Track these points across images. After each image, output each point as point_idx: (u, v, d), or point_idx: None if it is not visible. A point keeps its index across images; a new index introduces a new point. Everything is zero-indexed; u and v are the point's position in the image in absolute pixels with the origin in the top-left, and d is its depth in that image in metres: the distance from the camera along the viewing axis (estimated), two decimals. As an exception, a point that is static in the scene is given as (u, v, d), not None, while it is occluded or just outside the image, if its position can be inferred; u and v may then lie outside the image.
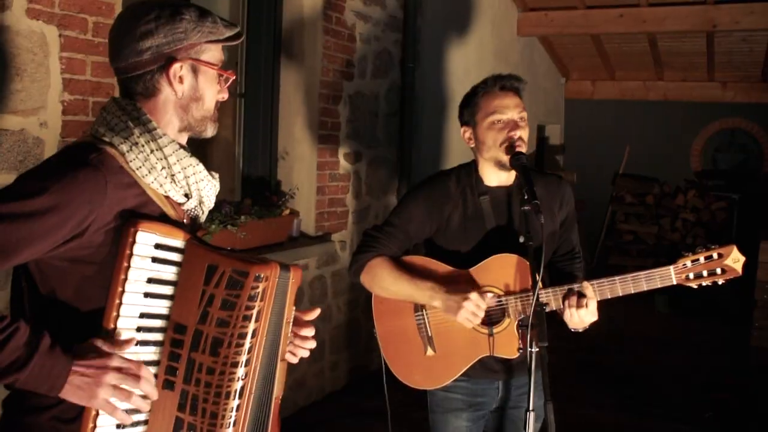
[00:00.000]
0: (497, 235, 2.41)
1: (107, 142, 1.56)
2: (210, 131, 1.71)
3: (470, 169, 2.53)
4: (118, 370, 1.45)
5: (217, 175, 1.76)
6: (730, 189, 9.25)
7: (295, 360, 1.82)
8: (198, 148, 5.12)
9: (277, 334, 1.66)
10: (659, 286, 2.27)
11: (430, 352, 2.46)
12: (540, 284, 2.15)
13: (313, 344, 1.85)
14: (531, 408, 2.14)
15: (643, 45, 8.73)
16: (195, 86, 1.63)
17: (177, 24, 1.58)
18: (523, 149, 2.37)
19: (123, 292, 1.48)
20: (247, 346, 1.51)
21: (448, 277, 2.40)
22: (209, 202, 1.74)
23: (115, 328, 1.48)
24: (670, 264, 2.26)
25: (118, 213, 1.51)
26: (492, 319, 2.35)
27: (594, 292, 2.28)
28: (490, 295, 2.32)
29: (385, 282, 2.43)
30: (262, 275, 1.51)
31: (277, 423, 1.74)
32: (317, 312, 1.89)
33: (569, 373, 5.83)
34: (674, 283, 2.27)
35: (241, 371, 1.51)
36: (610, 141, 10.17)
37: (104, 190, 1.49)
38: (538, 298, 2.14)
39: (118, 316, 1.48)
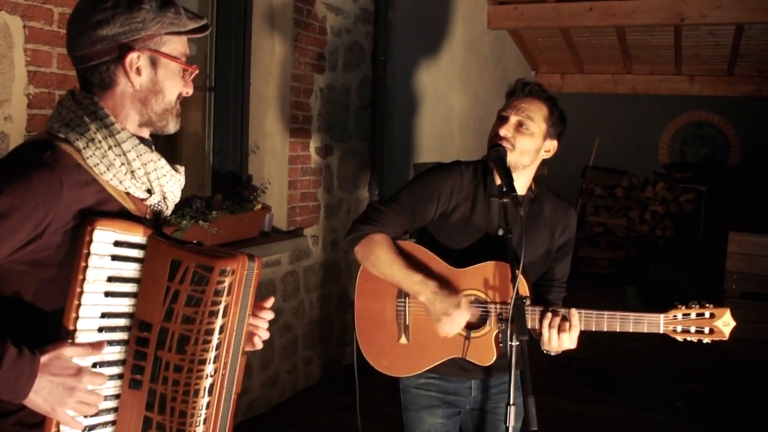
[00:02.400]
0: (496, 241, 2.32)
1: (63, 139, 1.51)
2: (172, 126, 1.65)
3: (488, 167, 2.45)
4: (85, 390, 1.43)
5: (182, 169, 1.71)
6: (698, 181, 9.36)
7: (255, 347, 1.79)
8: (167, 142, 5.06)
9: (242, 328, 1.64)
10: (645, 330, 2.28)
11: (403, 340, 2.43)
12: (521, 278, 2.13)
13: (266, 334, 1.81)
14: (512, 402, 2.13)
15: (611, 38, 8.78)
16: (154, 79, 1.58)
17: (135, 13, 1.52)
18: (508, 149, 2.32)
19: (82, 292, 1.44)
20: (214, 342, 1.47)
21: (439, 273, 2.36)
22: (174, 197, 1.69)
23: (75, 329, 1.43)
24: (661, 312, 2.28)
25: (77, 212, 1.47)
26: (473, 323, 2.33)
27: (579, 320, 2.26)
28: (472, 303, 2.30)
29: (379, 261, 2.36)
30: (228, 269, 1.47)
31: (231, 419, 1.72)
32: (272, 300, 1.85)
33: (542, 367, 5.84)
34: (661, 332, 2.28)
35: (209, 368, 1.48)
36: (580, 134, 10.17)
37: (59, 191, 1.44)
38: (518, 291, 2.12)
39: (77, 317, 1.43)
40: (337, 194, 5.48)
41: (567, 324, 2.24)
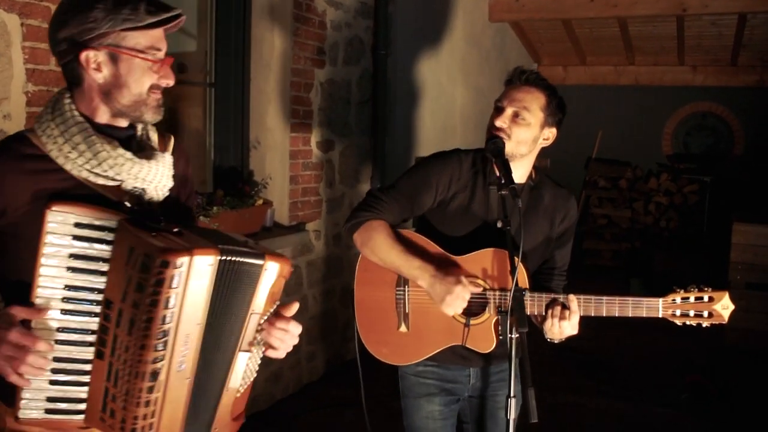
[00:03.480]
0: (495, 229, 2.32)
1: (34, 132, 1.68)
2: (149, 116, 1.73)
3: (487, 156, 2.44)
4: (13, 343, 1.51)
5: (163, 156, 1.78)
6: (702, 172, 9.33)
7: (275, 354, 1.82)
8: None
9: (236, 324, 1.69)
10: (644, 315, 2.27)
11: (403, 328, 2.43)
12: (521, 267, 2.12)
13: (294, 339, 1.84)
14: (512, 394, 2.12)
15: (614, 29, 8.74)
16: (116, 73, 1.66)
17: (87, 14, 1.61)
18: (504, 139, 2.32)
19: (42, 265, 1.55)
20: (156, 331, 1.52)
21: (438, 260, 2.35)
22: (149, 184, 1.74)
23: (36, 296, 1.55)
24: (659, 297, 2.26)
25: (33, 197, 1.60)
26: (471, 310, 2.32)
27: (579, 306, 2.26)
28: (473, 289, 2.29)
29: (377, 247, 2.37)
30: (168, 261, 1.49)
31: (229, 414, 1.77)
32: (296, 306, 1.87)
33: (546, 359, 5.84)
34: (660, 315, 2.27)
35: (151, 355, 1.52)
36: (583, 126, 10.18)
37: (3, 178, 1.60)
38: (517, 283, 2.11)
39: (37, 286, 1.55)
40: (339, 188, 5.47)
41: (567, 312, 2.24)
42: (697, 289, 2.25)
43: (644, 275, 8.27)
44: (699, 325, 2.26)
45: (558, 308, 2.24)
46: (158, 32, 1.68)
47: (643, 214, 9.37)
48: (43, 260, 1.54)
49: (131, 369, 1.53)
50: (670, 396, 5.11)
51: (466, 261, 2.34)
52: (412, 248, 2.36)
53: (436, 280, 2.27)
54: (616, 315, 2.28)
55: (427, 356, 2.42)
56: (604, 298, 2.27)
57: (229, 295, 1.63)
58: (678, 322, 2.27)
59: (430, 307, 2.35)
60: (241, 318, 1.69)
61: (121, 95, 1.68)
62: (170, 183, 1.81)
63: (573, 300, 2.25)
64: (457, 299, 2.23)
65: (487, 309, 2.31)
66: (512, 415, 2.13)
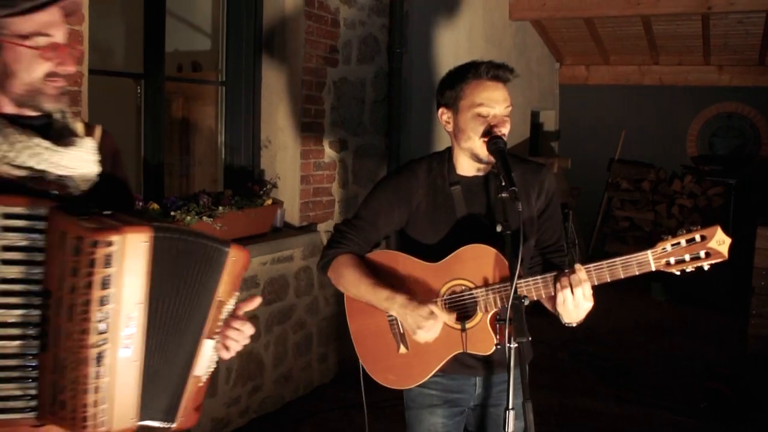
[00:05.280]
0: (469, 226, 2.29)
1: None
2: (48, 105, 1.68)
3: (443, 157, 2.41)
4: None
5: (84, 141, 1.73)
6: (727, 174, 9.13)
7: (227, 355, 1.80)
8: (181, 139, 5.02)
9: (197, 310, 1.68)
10: (636, 272, 2.12)
11: (402, 350, 2.35)
12: (517, 274, 2.02)
13: (245, 340, 1.83)
14: (510, 406, 2.04)
15: (637, 28, 8.60)
16: (4, 62, 1.62)
17: None
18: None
19: None
20: (95, 313, 1.50)
21: (416, 273, 2.30)
22: (72, 171, 1.70)
23: None
24: (648, 249, 2.11)
25: None
26: (465, 313, 2.24)
27: (590, 275, 2.12)
28: (455, 294, 2.22)
29: (347, 283, 2.37)
30: (99, 240, 1.48)
31: (192, 402, 1.74)
32: (257, 301, 1.85)
33: (564, 364, 5.75)
34: (653, 269, 2.11)
35: (92, 338, 1.50)
36: (606, 126, 10.05)
37: None
38: (516, 290, 2.02)
39: None
40: (353, 189, 5.41)
41: (575, 277, 2.09)
42: (685, 231, 2.09)
43: (666, 279, 8.11)
44: (699, 268, 2.10)
45: (566, 278, 2.10)
46: (46, 16, 1.63)
47: (666, 217, 9.20)
48: None
49: (75, 356, 1.51)
50: (690, 404, 4.98)
51: (444, 266, 2.26)
52: (381, 275, 2.32)
53: (406, 311, 2.21)
54: (609, 280, 2.12)
55: (434, 371, 2.34)
56: (591, 266, 2.11)
57: (176, 275, 1.61)
58: (676, 270, 2.11)
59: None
60: (203, 303, 1.68)
61: (12, 85, 1.64)
62: (96, 169, 1.76)
63: (581, 268, 2.11)
64: (428, 333, 2.18)
65: (478, 308, 2.22)
66: (510, 427, 2.04)
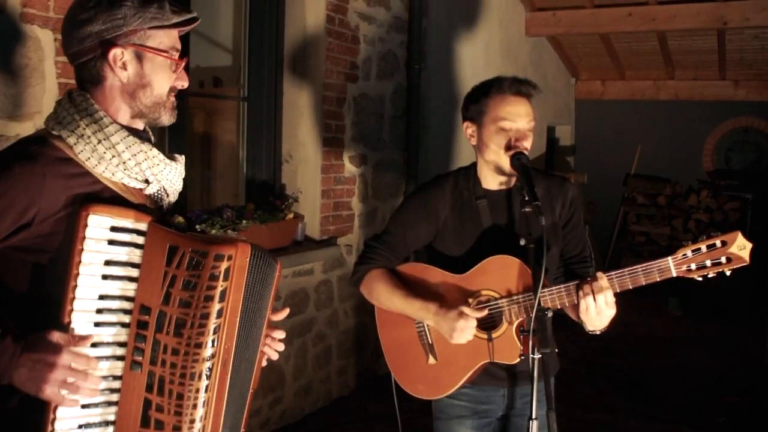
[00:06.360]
0: (495, 238, 2.35)
1: (56, 136, 1.58)
2: (166, 119, 1.70)
3: (469, 172, 2.48)
4: (67, 367, 1.45)
5: (181, 158, 1.76)
6: (744, 189, 9.12)
7: (264, 363, 1.83)
8: (203, 153, 5.08)
9: (257, 322, 1.69)
10: (658, 279, 2.14)
11: (431, 360, 2.40)
12: (541, 286, 2.07)
13: (282, 346, 1.87)
14: (534, 416, 2.08)
15: (653, 44, 8.64)
16: (141, 73, 1.62)
17: (116, 10, 1.58)
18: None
19: (78, 274, 1.48)
20: (211, 326, 1.51)
21: (444, 284, 2.36)
22: (171, 185, 1.73)
23: (72, 309, 1.48)
24: (669, 255, 2.12)
25: (67, 202, 1.53)
26: (491, 323, 2.29)
27: (611, 283, 2.14)
28: (477, 315, 2.25)
29: (381, 297, 2.44)
30: (223, 254, 1.50)
31: (248, 414, 1.76)
32: (285, 312, 1.90)
33: (580, 377, 5.75)
34: (674, 275, 2.12)
35: (207, 352, 1.50)
36: (621, 141, 10.08)
37: (41, 181, 1.50)
38: (539, 302, 2.07)
39: (74, 298, 1.48)
40: (372, 203, 5.47)
41: (597, 284, 2.11)
42: (706, 237, 2.10)
43: (683, 294, 8.11)
44: (721, 273, 2.10)
45: (588, 286, 2.13)
46: (176, 33, 1.67)
47: (682, 232, 9.18)
48: (81, 269, 1.48)
49: (182, 371, 1.50)
50: (706, 418, 4.98)
51: (471, 276, 2.32)
52: (412, 286, 2.39)
53: (439, 318, 2.27)
54: (630, 287, 2.15)
55: (462, 382, 2.38)
56: (613, 273, 2.14)
57: (259, 289, 1.64)
58: (697, 276, 2.11)
59: None
60: (264, 315, 1.71)
61: (144, 95, 1.64)
62: (181, 186, 1.79)
63: (602, 276, 2.14)
64: (463, 332, 2.22)
65: (503, 318, 2.27)
66: (534, 438, 2.08)
